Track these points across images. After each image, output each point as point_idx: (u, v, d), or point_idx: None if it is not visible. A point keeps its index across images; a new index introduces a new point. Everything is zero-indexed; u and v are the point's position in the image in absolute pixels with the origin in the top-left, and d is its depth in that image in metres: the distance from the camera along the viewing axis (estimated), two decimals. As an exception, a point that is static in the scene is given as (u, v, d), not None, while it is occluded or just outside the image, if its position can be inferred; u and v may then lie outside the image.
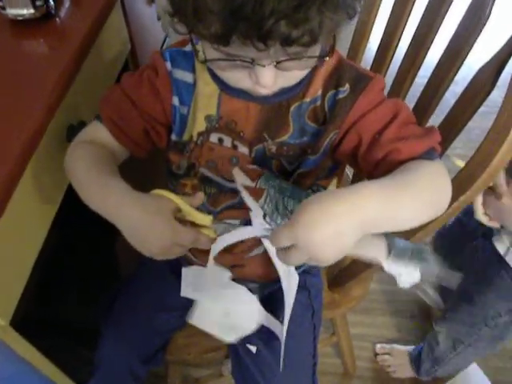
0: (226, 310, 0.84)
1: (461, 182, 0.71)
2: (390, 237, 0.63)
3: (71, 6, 0.96)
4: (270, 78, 0.59)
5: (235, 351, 0.93)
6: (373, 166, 0.71)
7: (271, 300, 0.87)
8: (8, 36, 0.92)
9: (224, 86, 0.72)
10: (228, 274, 0.80)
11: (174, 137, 0.79)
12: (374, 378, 1.53)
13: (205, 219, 0.69)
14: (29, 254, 0.80)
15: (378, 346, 1.59)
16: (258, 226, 0.69)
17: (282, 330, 0.83)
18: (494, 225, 0.96)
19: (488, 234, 1.08)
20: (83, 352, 1.18)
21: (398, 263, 0.62)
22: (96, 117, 0.79)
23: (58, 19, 0.93)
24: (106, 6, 0.97)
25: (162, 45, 1.40)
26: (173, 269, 0.96)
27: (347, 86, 0.72)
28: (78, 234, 1.52)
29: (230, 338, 0.85)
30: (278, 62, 0.58)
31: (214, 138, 0.76)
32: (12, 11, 0.88)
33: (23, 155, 0.73)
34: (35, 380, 0.90)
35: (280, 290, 0.81)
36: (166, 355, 0.98)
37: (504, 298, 1.09)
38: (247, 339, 0.88)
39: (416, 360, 1.47)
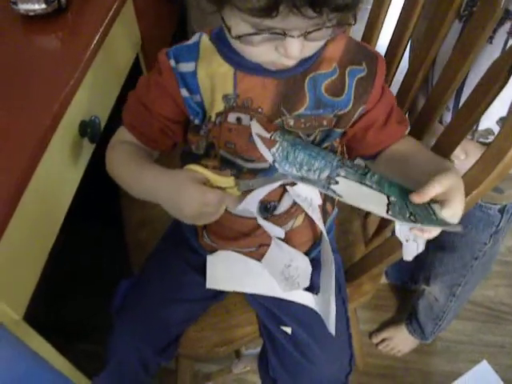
0: (288, 262, 0.90)
1: (474, 177, 0.71)
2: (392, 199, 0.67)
3: (82, 1, 0.96)
4: (298, 48, 0.61)
5: (269, 335, 0.95)
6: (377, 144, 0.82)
7: None
8: (19, 31, 0.92)
9: (237, 65, 0.73)
10: (282, 232, 0.85)
11: (196, 122, 0.81)
12: (382, 374, 1.53)
13: (228, 181, 0.72)
14: (42, 248, 0.81)
15: (373, 339, 1.60)
16: (279, 175, 0.73)
17: (313, 300, 0.89)
18: None
19: None
20: (91, 347, 1.20)
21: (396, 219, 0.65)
22: (122, 122, 0.84)
23: (69, 14, 0.93)
24: (117, 0, 0.97)
25: (172, 38, 1.40)
26: (185, 260, 0.97)
27: (364, 64, 0.77)
28: (89, 229, 1.53)
29: (285, 288, 0.91)
30: (308, 33, 0.59)
31: (231, 118, 0.77)
32: (24, 6, 0.88)
33: (36, 150, 0.74)
34: (48, 374, 0.91)
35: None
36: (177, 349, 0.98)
37: (483, 229, 1.14)
38: (281, 322, 0.92)
39: (417, 328, 1.50)
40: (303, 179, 0.70)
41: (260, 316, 0.98)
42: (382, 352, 1.56)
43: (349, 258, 1.08)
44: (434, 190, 0.63)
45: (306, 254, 0.92)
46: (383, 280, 1.67)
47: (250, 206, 0.75)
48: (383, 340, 1.57)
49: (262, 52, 0.65)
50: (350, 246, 1.12)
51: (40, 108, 0.78)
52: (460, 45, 0.81)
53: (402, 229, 0.70)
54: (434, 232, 0.66)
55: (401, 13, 0.94)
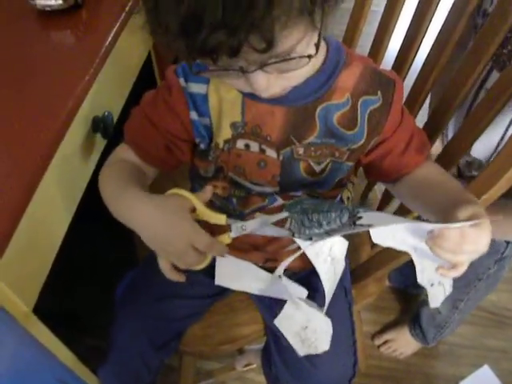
0: (304, 324, 0.85)
1: (483, 182, 0.71)
2: None
3: (98, -2, 0.97)
4: (262, 82, 0.59)
5: (274, 336, 0.95)
6: (395, 171, 0.80)
7: (302, 285, 0.88)
8: (36, 26, 0.92)
9: (245, 92, 0.70)
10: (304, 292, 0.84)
11: (202, 146, 0.79)
12: (384, 376, 1.53)
13: (220, 218, 0.70)
14: (53, 240, 0.81)
15: (376, 340, 1.60)
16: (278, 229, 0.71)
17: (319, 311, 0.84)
18: None
19: None
20: (99, 342, 1.20)
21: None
22: (124, 139, 0.82)
23: (85, 10, 0.94)
24: (131, -2, 0.97)
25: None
26: None
27: (379, 94, 0.74)
28: (98, 223, 1.53)
29: (301, 351, 0.87)
30: (263, 66, 0.56)
31: (240, 144, 0.76)
32: (41, 2, 0.89)
33: (52, 145, 0.75)
34: (53, 366, 0.91)
35: (309, 276, 0.88)
36: (181, 346, 0.98)
37: (487, 254, 1.13)
38: None
39: (419, 333, 1.50)
40: (328, 233, 0.66)
41: (265, 317, 0.98)
42: (384, 354, 1.57)
43: (354, 260, 1.09)
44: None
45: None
46: (386, 283, 1.68)
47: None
48: (385, 342, 1.58)
49: (237, 85, 0.63)
50: (356, 248, 1.13)
51: (55, 103, 0.79)
52: (473, 49, 0.82)
53: (424, 274, 0.67)
54: (461, 268, 0.64)
55: (413, 16, 0.94)
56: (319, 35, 0.58)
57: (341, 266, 0.77)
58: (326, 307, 0.79)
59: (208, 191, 0.72)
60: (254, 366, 1.37)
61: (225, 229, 0.72)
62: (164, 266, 0.73)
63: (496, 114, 0.76)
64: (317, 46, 0.58)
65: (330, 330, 0.84)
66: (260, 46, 0.51)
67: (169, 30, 0.51)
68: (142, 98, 0.81)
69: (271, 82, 0.60)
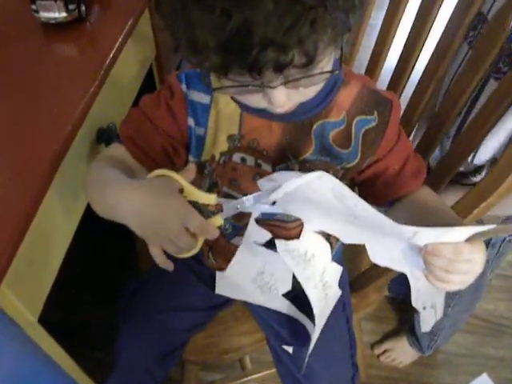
0: (261, 269, 0.80)
1: (483, 189, 0.72)
2: None
3: (101, 11, 0.98)
4: (282, 97, 0.59)
5: (275, 351, 0.95)
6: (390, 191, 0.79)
7: (300, 299, 0.88)
8: (40, 39, 0.94)
9: (244, 106, 0.71)
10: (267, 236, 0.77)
11: (191, 158, 0.79)
12: (381, 384, 1.55)
13: (210, 198, 0.65)
14: (58, 251, 0.82)
15: (375, 350, 1.61)
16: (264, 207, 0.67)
17: (313, 328, 0.83)
18: None
19: None
20: (98, 354, 1.19)
21: None
22: (117, 139, 0.79)
23: (88, 23, 0.95)
24: (134, 12, 0.99)
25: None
26: (192, 269, 0.97)
27: (376, 114, 0.74)
28: (99, 235, 1.54)
29: (260, 298, 0.85)
30: (287, 82, 0.57)
31: (236, 157, 0.76)
32: (45, 15, 0.91)
33: (57, 156, 0.75)
34: (56, 375, 0.91)
35: None
36: (184, 355, 0.98)
37: None
38: (283, 341, 0.91)
39: (415, 341, 1.51)
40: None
41: (265, 333, 0.98)
42: (384, 363, 1.57)
43: (355, 268, 1.09)
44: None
45: None
46: (386, 292, 1.68)
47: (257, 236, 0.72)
48: (385, 351, 1.58)
49: (252, 100, 0.63)
50: (357, 256, 1.13)
51: (60, 115, 0.79)
52: (471, 60, 0.83)
53: (419, 296, 0.66)
54: (456, 276, 0.62)
55: (411, 30, 0.96)
56: (341, 49, 0.59)
57: (334, 291, 0.76)
58: (316, 331, 0.80)
59: (192, 170, 0.67)
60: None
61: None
62: (155, 251, 0.65)
63: (496, 121, 0.78)
64: (340, 60, 0.59)
65: (290, 271, 0.78)
66: (300, 61, 0.52)
67: (206, 47, 0.51)
68: (141, 100, 0.80)
69: (290, 97, 0.60)
